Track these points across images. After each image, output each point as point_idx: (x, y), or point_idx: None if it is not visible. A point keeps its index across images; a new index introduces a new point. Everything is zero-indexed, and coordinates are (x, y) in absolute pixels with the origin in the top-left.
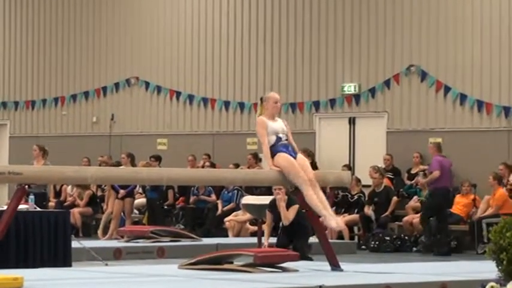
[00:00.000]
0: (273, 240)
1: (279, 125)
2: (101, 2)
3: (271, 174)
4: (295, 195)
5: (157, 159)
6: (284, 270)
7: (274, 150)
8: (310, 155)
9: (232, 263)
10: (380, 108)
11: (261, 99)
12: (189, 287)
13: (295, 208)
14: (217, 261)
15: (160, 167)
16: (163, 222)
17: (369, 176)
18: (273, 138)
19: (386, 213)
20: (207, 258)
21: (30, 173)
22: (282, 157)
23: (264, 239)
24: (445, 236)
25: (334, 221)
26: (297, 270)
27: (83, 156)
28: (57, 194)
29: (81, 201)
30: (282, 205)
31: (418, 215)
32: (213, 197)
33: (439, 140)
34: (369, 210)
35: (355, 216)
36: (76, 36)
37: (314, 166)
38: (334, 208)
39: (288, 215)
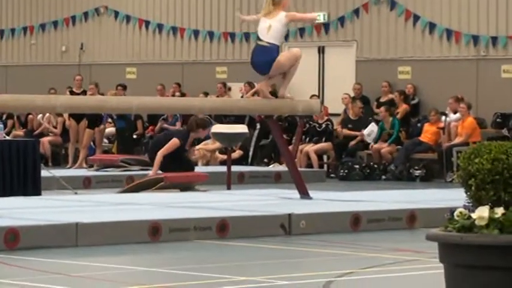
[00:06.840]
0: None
1: None
2: None
3: (239, 102)
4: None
5: (125, 88)
6: (195, 190)
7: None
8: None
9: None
10: (349, 37)
11: None
12: (165, 215)
13: None
14: (146, 187)
15: (125, 95)
16: (133, 151)
17: (344, 104)
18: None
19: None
20: (138, 185)
21: None
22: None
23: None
24: None
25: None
26: (206, 190)
27: (52, 86)
28: (22, 124)
29: (51, 130)
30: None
31: (386, 143)
32: (178, 125)
33: (408, 68)
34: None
35: (324, 145)
36: None
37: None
38: (303, 137)
39: None
